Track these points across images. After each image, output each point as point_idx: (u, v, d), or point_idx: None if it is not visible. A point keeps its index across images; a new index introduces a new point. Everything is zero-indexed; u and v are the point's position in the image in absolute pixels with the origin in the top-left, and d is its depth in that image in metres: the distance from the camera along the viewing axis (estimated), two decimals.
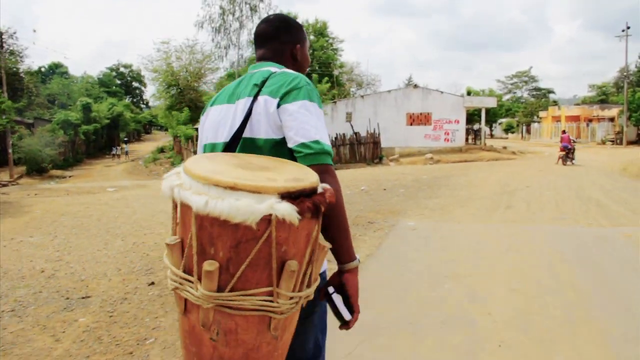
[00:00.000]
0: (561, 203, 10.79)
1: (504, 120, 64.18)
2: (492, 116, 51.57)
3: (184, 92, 33.77)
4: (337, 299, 1.67)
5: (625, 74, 44.36)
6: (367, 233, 7.74)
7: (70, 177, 31.01)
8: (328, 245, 1.46)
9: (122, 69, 78.90)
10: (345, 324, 1.66)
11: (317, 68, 42.52)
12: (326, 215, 1.45)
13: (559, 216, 9.16)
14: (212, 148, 1.84)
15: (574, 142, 23.59)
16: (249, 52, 50.51)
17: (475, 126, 40.45)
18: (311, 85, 1.74)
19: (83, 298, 5.03)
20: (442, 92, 31.69)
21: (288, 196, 1.24)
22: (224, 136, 1.79)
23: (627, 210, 9.74)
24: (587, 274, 5.40)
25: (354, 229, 7.81)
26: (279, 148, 1.68)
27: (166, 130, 42.14)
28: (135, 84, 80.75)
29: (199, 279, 1.26)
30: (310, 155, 1.59)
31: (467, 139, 36.60)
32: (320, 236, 1.42)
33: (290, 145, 1.64)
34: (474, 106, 32.70)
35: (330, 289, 1.68)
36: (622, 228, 7.98)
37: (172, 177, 1.33)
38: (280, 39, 1.96)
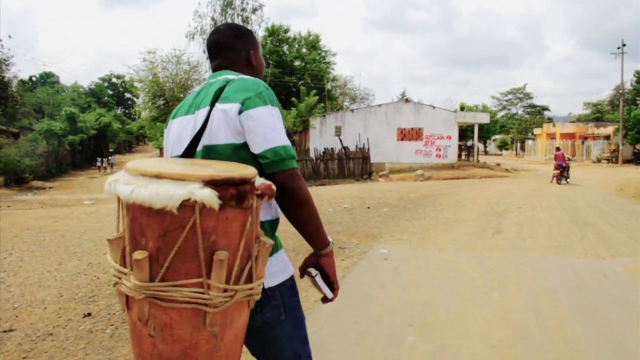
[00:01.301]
0: (555, 228, 9.86)
1: (498, 136, 63.64)
2: (485, 132, 51.02)
3: (169, 102, 32.95)
4: (318, 278, 1.76)
5: (621, 91, 43.87)
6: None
7: (50, 188, 30.04)
8: (270, 242, 1.43)
9: (114, 80, 78.23)
10: (327, 300, 1.81)
11: (308, 81, 41.87)
12: (292, 215, 1.66)
13: (553, 244, 8.21)
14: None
15: (569, 159, 22.77)
16: None
17: (469, 142, 39.73)
18: (269, 90, 1.75)
19: (5, 332, 4.30)
20: (434, 107, 30.94)
21: (212, 183, 1.23)
22: (184, 146, 1.77)
23: (627, 238, 8.81)
24: (583, 324, 4.43)
25: None
26: (239, 153, 1.67)
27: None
28: (127, 95, 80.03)
29: (132, 268, 1.26)
30: (278, 162, 1.62)
31: (459, 155, 35.95)
32: (262, 233, 1.45)
33: (256, 151, 1.64)
34: (466, 122, 31.99)
35: (313, 271, 1.76)
36: (622, 259, 7.05)
37: (113, 176, 1.34)
38: (234, 47, 1.97)
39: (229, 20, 49.67)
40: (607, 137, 44.30)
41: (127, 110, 78.24)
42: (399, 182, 23.98)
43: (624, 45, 41.88)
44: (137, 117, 38.17)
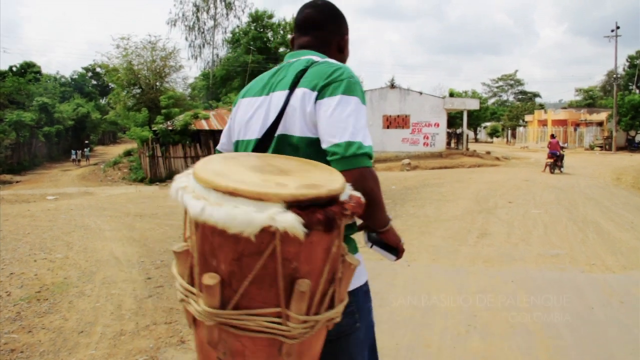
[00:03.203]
0: (551, 228, 8.49)
1: (488, 124, 62.36)
2: (476, 119, 49.67)
3: (145, 91, 31.48)
4: (376, 248, 1.72)
5: (614, 75, 42.68)
6: None
7: (17, 182, 28.51)
8: (356, 262, 1.30)
9: (98, 70, 76.18)
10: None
11: None
12: (360, 216, 1.40)
13: (549, 251, 6.83)
14: (244, 145, 1.72)
15: (563, 148, 21.42)
16: (224, 51, 48.41)
17: (458, 130, 38.42)
18: (355, 78, 1.57)
19: None
20: (421, 93, 29.51)
21: (296, 205, 1.08)
22: (256, 132, 1.65)
23: (636, 240, 7.47)
24: None
25: None
26: (314, 148, 1.53)
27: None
28: (112, 85, 77.98)
29: (202, 291, 1.14)
30: (344, 159, 1.44)
31: (448, 144, 34.67)
32: (346, 250, 1.31)
33: (323, 146, 1.49)
34: (455, 108, 30.62)
35: (368, 244, 1.72)
36: (637, 274, 5.70)
37: (181, 179, 1.20)
38: (329, 28, 1.81)
39: (212, 6, 48.28)
40: (600, 124, 43.12)
41: (110, 101, 76.43)
42: (384, 173, 22.60)
43: (618, 27, 40.64)
44: (113, 107, 36.48)
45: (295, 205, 1.08)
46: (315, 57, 1.68)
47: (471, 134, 55.65)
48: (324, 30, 1.80)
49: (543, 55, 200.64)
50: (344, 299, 1.29)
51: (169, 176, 23.94)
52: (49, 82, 51.58)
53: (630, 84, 53.78)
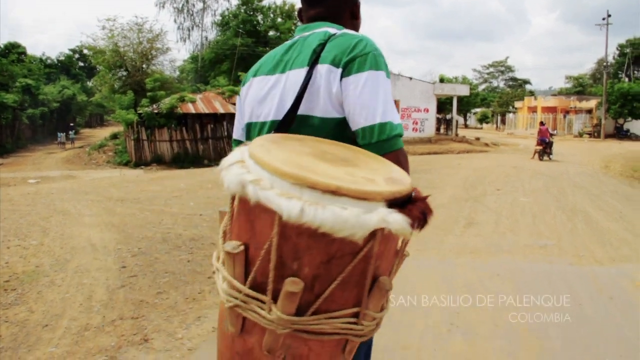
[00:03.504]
0: (539, 217, 8.33)
1: (478, 110, 62.19)
2: (466, 105, 49.46)
3: (131, 73, 31.03)
4: None
5: (605, 63, 42.59)
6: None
7: (0, 165, 28.08)
8: (407, 253, 1.23)
9: (85, 52, 75.04)
10: None
11: None
12: None
13: (538, 241, 6.66)
14: (258, 128, 1.60)
15: (552, 135, 21.29)
16: (213, 34, 47.76)
17: (448, 116, 38.25)
18: (378, 50, 1.45)
19: None
20: (411, 79, 29.23)
21: (395, 204, 1.02)
22: (272, 113, 1.54)
23: (625, 231, 7.32)
24: None
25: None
26: (340, 129, 1.43)
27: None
28: (99, 68, 76.91)
29: (273, 299, 1.04)
30: (380, 143, 1.36)
31: (438, 129, 34.55)
32: None
33: (353, 127, 1.40)
34: (445, 94, 30.46)
35: None
36: (627, 267, 5.53)
37: (236, 169, 1.04)
38: None
39: None
40: (589, 111, 43.09)
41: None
42: None
43: (609, 15, 40.53)
44: (99, 90, 35.82)
45: (394, 203, 1.02)
46: (331, 29, 1.56)
47: (461, 119, 55.50)
48: None
49: (534, 42, 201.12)
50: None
51: (155, 160, 23.66)
52: (34, 63, 50.65)
53: (619, 72, 53.73)
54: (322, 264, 1.02)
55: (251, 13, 42.77)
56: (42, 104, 42.10)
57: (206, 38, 48.89)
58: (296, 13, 1.60)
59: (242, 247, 1.08)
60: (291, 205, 0.95)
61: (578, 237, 6.90)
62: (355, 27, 1.73)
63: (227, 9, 45.41)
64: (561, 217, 8.35)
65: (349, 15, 1.71)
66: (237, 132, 1.77)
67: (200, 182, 14.13)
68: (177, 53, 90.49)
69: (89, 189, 12.93)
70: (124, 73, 32.01)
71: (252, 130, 1.64)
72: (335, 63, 1.42)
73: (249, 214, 1.06)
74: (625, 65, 53.07)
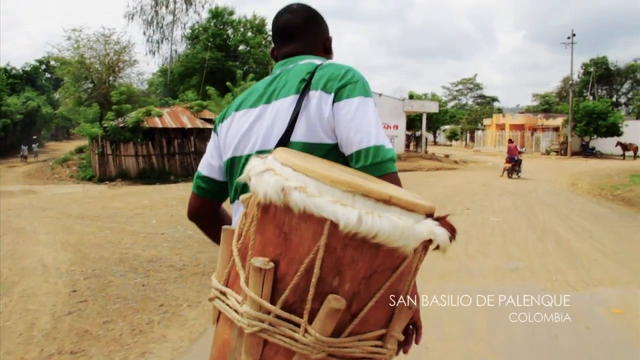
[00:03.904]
0: (510, 237, 8.14)
1: (447, 127, 62.76)
2: (435, 122, 49.82)
3: (97, 85, 30.40)
4: None
5: (570, 82, 43.40)
6: (183, 314, 4.89)
7: None
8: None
9: (52, 63, 73.59)
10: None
11: (253, 66, 39.68)
12: None
13: (509, 264, 6.44)
14: (244, 161, 1.51)
15: (521, 152, 21.38)
16: (182, 47, 47.18)
17: (417, 132, 38.39)
18: (365, 80, 1.49)
19: None
20: (380, 95, 29.21)
21: (431, 217, 1.04)
22: (258, 144, 1.48)
23: (596, 252, 7.16)
24: None
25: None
26: (332, 156, 1.40)
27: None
28: (67, 79, 75.53)
29: (310, 320, 0.97)
30: (376, 165, 1.33)
31: (407, 146, 34.57)
32: None
33: (347, 151, 1.38)
34: (414, 111, 30.52)
35: None
36: (601, 292, 5.33)
37: (272, 176, 0.99)
38: (312, 30, 1.70)
39: (171, 0, 47.07)
40: (556, 129, 43.72)
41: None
42: None
43: (574, 35, 41.35)
44: (65, 102, 34.87)
45: (431, 217, 1.02)
46: (316, 60, 1.59)
47: (430, 136, 55.85)
48: (306, 34, 1.69)
49: (502, 60, 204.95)
50: None
51: (120, 175, 23.05)
52: None
53: (584, 90, 54.85)
54: (363, 280, 0.98)
55: (221, 27, 42.52)
56: (5, 116, 41.04)
57: (176, 51, 48.37)
58: (269, 52, 1.76)
59: (272, 264, 1.01)
60: (348, 213, 0.91)
61: (550, 259, 6.70)
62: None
63: (197, 22, 45.03)
64: (532, 237, 8.17)
65: (322, 50, 1.72)
66: (208, 169, 1.67)
67: (164, 199, 13.69)
68: (145, 66, 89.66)
69: (48, 205, 12.39)
70: (90, 85, 31.40)
71: (237, 165, 1.56)
72: (326, 89, 1.42)
73: (281, 225, 1.00)
74: (590, 84, 54.20)
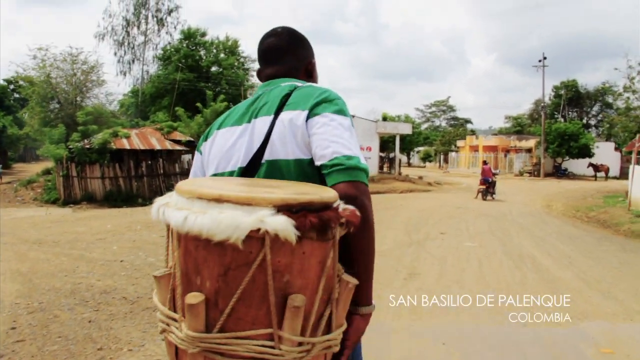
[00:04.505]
0: (486, 264, 7.71)
1: (421, 148, 62.95)
2: (408, 144, 49.84)
3: (63, 106, 29.71)
4: None
5: (542, 104, 43.85)
6: None
7: None
8: (354, 281, 1.20)
9: (21, 82, 72.27)
10: None
11: (226, 87, 39.28)
12: (350, 242, 1.27)
13: (486, 292, 5.97)
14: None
15: (495, 174, 21.16)
16: (154, 68, 46.47)
17: (391, 154, 38.27)
18: (343, 100, 1.56)
19: None
20: (353, 116, 28.49)
21: (287, 210, 1.01)
22: (240, 161, 1.53)
23: (577, 280, 6.77)
24: None
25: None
26: (306, 171, 1.45)
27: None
28: (32, 99, 74.14)
29: (184, 316, 1.05)
30: (347, 170, 1.34)
31: (381, 168, 34.33)
32: (342, 269, 1.22)
33: (318, 162, 1.41)
34: (388, 132, 30.32)
35: None
36: (587, 326, 4.89)
37: (162, 199, 1.16)
38: (295, 54, 1.77)
39: (143, 21, 46.55)
40: (529, 150, 44.04)
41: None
42: None
43: (545, 58, 41.93)
44: (31, 123, 33.80)
45: (286, 209, 1.01)
46: (298, 82, 1.62)
47: (404, 158, 55.89)
48: (290, 57, 1.74)
49: (474, 83, 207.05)
50: (342, 323, 1.18)
51: (85, 198, 22.26)
52: None
53: (556, 112, 55.38)
54: (220, 277, 1.00)
55: (193, 48, 42.07)
56: None
57: (147, 72, 47.71)
58: (255, 73, 1.83)
59: (167, 271, 1.12)
60: (178, 215, 1.00)
61: (529, 288, 6.26)
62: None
63: (169, 43, 44.48)
64: (509, 264, 7.75)
65: (304, 73, 1.76)
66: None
67: (129, 223, 13.06)
68: (116, 87, 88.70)
69: (5, 230, 11.67)
70: (57, 105, 30.72)
71: None
72: (301, 107, 1.45)
73: (171, 239, 1.11)
74: (561, 106, 54.82)
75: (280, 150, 1.45)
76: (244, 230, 0.95)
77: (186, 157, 25.47)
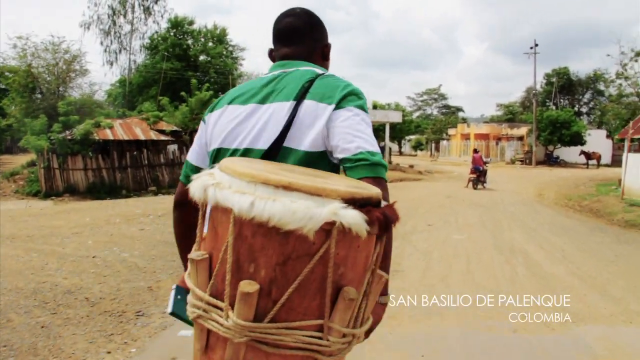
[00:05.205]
0: (475, 259, 7.27)
1: (412, 137, 62.57)
2: (399, 132, 49.44)
3: (45, 96, 29.07)
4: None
5: (534, 92, 43.50)
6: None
7: None
8: (386, 276, 1.22)
9: (7, 74, 71.29)
10: None
11: (214, 76, 38.68)
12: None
13: (474, 291, 5.53)
14: (230, 154, 1.55)
15: (486, 162, 20.73)
16: (141, 57, 45.65)
17: (381, 143, 37.83)
18: (364, 95, 1.55)
19: None
20: None
21: (352, 203, 0.99)
22: (247, 142, 1.51)
23: (572, 277, 6.34)
24: None
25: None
26: (323, 162, 1.45)
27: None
28: (12, 89, 73.21)
29: (231, 304, 1.01)
30: (367, 166, 1.36)
31: None
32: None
33: (339, 154, 1.41)
34: (378, 121, 29.86)
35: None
36: (582, 331, 4.45)
37: (203, 177, 1.08)
38: (312, 36, 1.72)
39: (129, 10, 45.65)
40: (521, 138, 43.73)
41: None
42: None
43: (536, 45, 41.48)
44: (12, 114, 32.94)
45: (352, 202, 0.99)
46: (317, 69, 1.60)
47: (395, 147, 55.50)
48: (307, 38, 1.70)
49: (466, 71, 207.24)
50: (369, 317, 1.16)
51: (67, 190, 21.70)
52: None
53: (547, 100, 55.09)
54: (277, 266, 0.98)
55: (181, 37, 41.37)
56: None
57: (134, 62, 46.91)
58: (267, 53, 1.58)
59: (206, 255, 1.08)
60: (243, 200, 0.95)
61: (520, 287, 5.82)
62: (326, 68, 1.73)
63: (157, 32, 43.69)
64: (499, 259, 7.32)
65: (320, 56, 1.73)
66: (196, 157, 1.71)
67: (108, 216, 12.56)
68: (103, 77, 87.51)
69: None
70: (39, 96, 30.06)
71: (222, 157, 1.53)
72: (324, 99, 1.44)
73: (213, 221, 1.07)
74: (553, 93, 54.52)
75: (298, 138, 1.44)
76: (318, 222, 0.93)
77: (171, 148, 24.94)
